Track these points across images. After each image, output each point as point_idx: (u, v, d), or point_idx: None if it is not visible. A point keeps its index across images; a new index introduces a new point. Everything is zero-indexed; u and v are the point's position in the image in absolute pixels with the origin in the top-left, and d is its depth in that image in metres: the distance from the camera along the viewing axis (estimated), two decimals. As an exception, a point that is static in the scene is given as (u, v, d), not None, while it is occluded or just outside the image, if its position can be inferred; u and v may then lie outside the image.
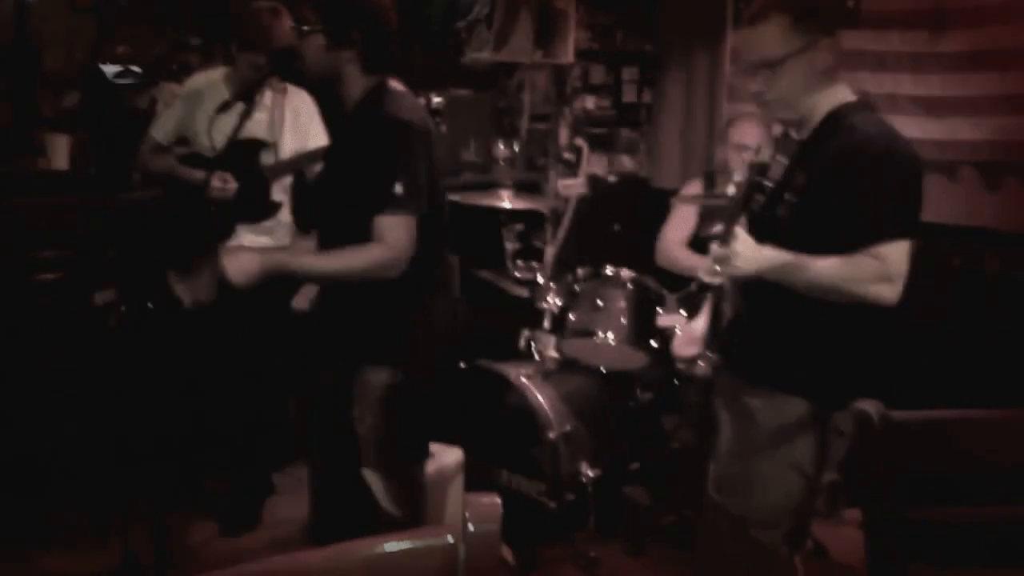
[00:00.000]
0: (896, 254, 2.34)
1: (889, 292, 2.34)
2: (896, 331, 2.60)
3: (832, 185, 2.39)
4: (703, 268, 2.51)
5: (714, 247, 2.44)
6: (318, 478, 3.22)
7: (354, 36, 2.75)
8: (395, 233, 2.70)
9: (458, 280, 3.08)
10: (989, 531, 1.98)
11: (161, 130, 3.87)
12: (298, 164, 3.73)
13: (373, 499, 2.95)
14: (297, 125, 3.78)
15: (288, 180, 3.85)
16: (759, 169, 2.55)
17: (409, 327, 2.87)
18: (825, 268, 2.36)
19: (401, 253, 2.72)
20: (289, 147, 3.76)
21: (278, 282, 2.95)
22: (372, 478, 2.95)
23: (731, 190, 2.53)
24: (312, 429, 3.15)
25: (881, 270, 2.33)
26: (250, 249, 2.88)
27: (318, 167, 3.44)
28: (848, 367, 2.51)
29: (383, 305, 2.83)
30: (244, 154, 3.70)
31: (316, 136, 3.76)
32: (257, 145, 3.73)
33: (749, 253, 2.38)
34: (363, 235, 2.72)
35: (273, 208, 3.80)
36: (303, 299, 3.29)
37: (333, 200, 2.90)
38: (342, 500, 3.06)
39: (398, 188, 2.68)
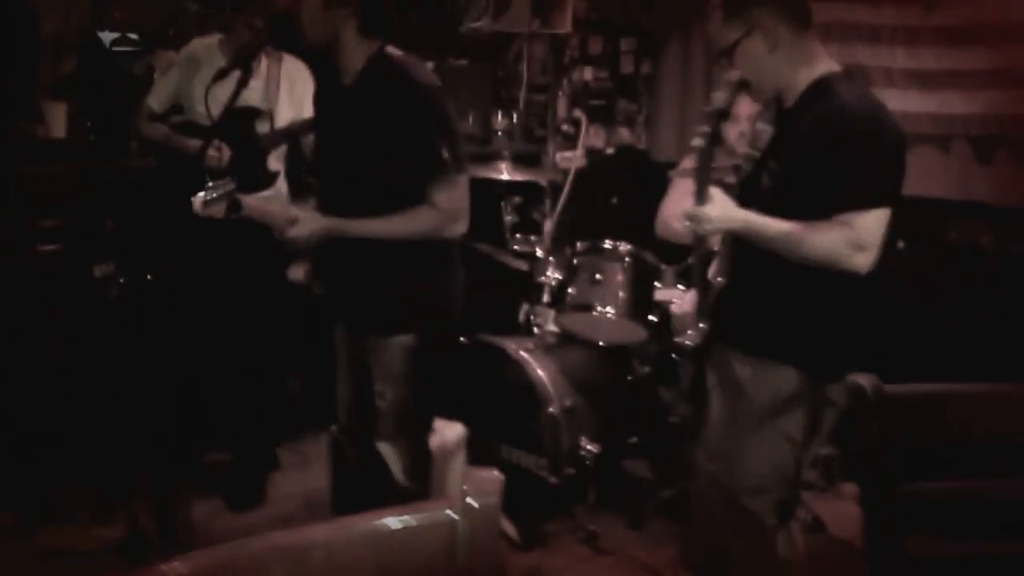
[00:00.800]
0: (868, 222, 2.37)
1: (859, 259, 2.38)
2: (889, 303, 2.63)
3: (810, 152, 2.44)
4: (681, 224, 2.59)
5: (687, 206, 2.51)
6: (341, 451, 3.26)
7: None
8: (453, 196, 2.78)
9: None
10: (985, 504, 2.01)
11: (156, 98, 3.87)
12: (293, 133, 3.72)
13: (389, 473, 3.00)
14: (293, 94, 3.78)
15: (283, 149, 3.85)
16: (714, 116, 2.61)
17: (429, 295, 2.92)
18: (794, 232, 2.40)
19: (461, 215, 2.82)
20: (285, 116, 3.76)
21: (272, 255, 2.96)
22: (389, 451, 2.99)
23: (696, 142, 2.58)
24: (345, 405, 3.17)
25: (851, 237, 2.36)
26: (310, 212, 2.92)
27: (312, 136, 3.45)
28: (838, 338, 2.55)
29: (401, 275, 2.87)
30: (240, 123, 3.69)
31: (311, 105, 3.76)
32: (253, 114, 3.73)
33: (717, 213, 2.47)
34: (402, 201, 2.78)
35: (270, 177, 3.80)
36: (298, 271, 3.30)
37: (359, 174, 2.87)
38: (363, 473, 3.11)
39: (445, 153, 2.74)
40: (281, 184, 3.88)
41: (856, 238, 2.36)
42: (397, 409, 2.93)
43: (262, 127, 3.75)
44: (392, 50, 2.87)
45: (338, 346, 3.11)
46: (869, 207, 2.37)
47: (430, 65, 4.81)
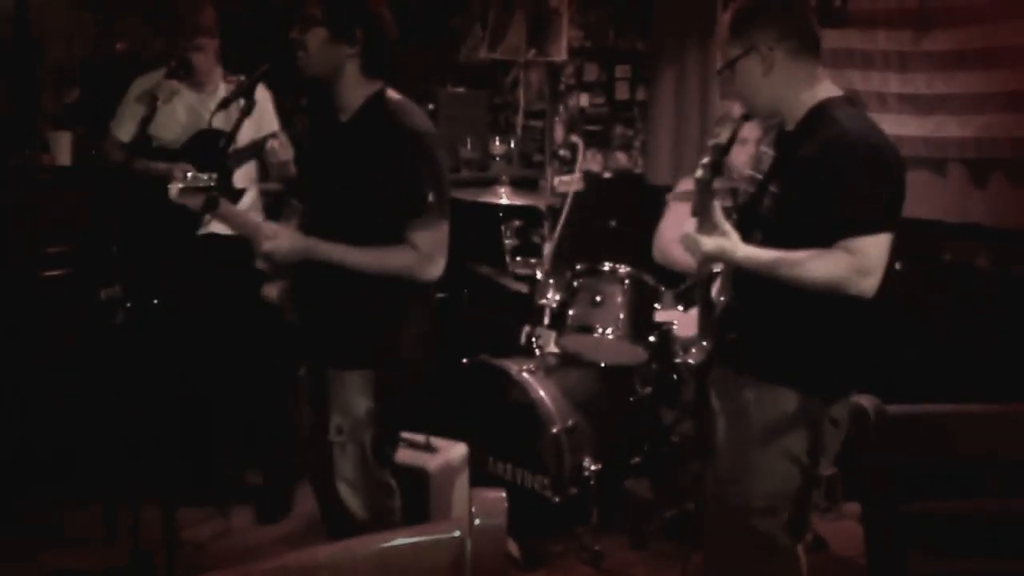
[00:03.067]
0: (872, 247, 2.39)
1: (865, 284, 2.39)
2: (888, 325, 2.64)
3: (812, 178, 2.44)
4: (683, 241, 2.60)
5: (690, 230, 2.52)
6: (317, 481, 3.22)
7: (356, 34, 2.80)
8: (431, 240, 2.79)
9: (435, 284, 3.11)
10: (986, 522, 2.02)
11: (123, 129, 3.91)
12: (255, 150, 3.76)
13: (348, 512, 2.91)
14: (253, 114, 3.81)
15: (251, 167, 3.90)
16: (718, 150, 2.63)
17: (390, 332, 2.88)
18: (804, 263, 2.41)
19: (438, 259, 2.81)
20: (246, 135, 3.78)
21: (250, 273, 2.99)
22: (345, 490, 2.90)
23: (698, 172, 2.58)
24: (306, 433, 3.11)
25: (856, 264, 2.38)
26: (289, 229, 2.91)
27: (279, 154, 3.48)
28: (838, 359, 2.56)
29: (365, 310, 2.85)
30: (205, 144, 3.75)
31: (269, 123, 3.87)
32: (217, 135, 3.69)
33: (712, 247, 2.48)
34: (383, 239, 2.79)
35: (237, 195, 3.82)
36: (272, 289, 3.28)
37: (345, 207, 2.87)
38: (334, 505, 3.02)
39: (431, 197, 2.77)
40: (252, 201, 3.92)
41: (862, 264, 2.38)
42: (353, 445, 2.86)
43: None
44: (391, 93, 2.90)
45: (304, 382, 3.06)
46: (873, 232, 2.39)
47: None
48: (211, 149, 3.74)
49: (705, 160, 2.60)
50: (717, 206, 2.54)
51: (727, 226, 2.50)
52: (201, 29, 3.82)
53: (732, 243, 2.49)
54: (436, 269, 2.82)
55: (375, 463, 2.92)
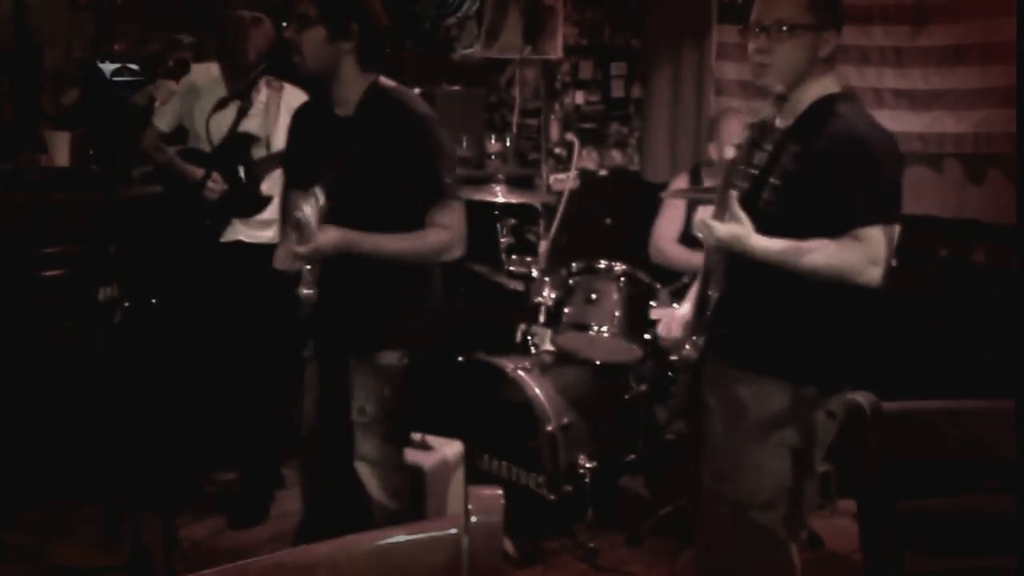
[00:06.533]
0: (881, 237, 2.41)
1: (874, 274, 2.41)
2: (885, 321, 2.65)
3: (816, 171, 2.46)
4: (695, 223, 2.58)
5: (702, 214, 2.52)
6: (316, 473, 3.25)
7: (352, 28, 2.83)
8: (453, 219, 2.91)
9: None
10: (982, 520, 2.02)
11: (163, 120, 3.96)
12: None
13: (366, 493, 2.99)
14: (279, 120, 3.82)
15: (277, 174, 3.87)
16: (759, 128, 2.60)
17: (415, 313, 2.99)
18: (816, 251, 2.42)
19: (461, 236, 2.93)
20: (281, 142, 3.79)
21: (274, 276, 2.99)
22: (366, 471, 2.98)
23: (730, 153, 2.52)
24: (311, 423, 3.16)
25: (868, 253, 2.39)
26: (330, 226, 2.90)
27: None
28: (834, 352, 2.57)
29: (389, 292, 2.92)
30: (237, 149, 3.75)
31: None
32: (249, 140, 3.78)
33: (725, 233, 2.47)
34: (405, 227, 2.88)
35: (264, 202, 3.83)
36: (308, 289, 3.26)
37: (360, 199, 2.89)
38: (339, 495, 3.09)
39: (447, 179, 2.87)
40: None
41: (871, 252, 2.39)
42: (377, 426, 2.95)
43: (258, 153, 3.80)
44: (386, 81, 2.94)
45: (308, 365, 3.11)
46: (881, 223, 2.42)
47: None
48: (241, 154, 3.76)
49: (739, 141, 2.56)
50: (734, 194, 2.51)
51: (742, 214, 2.49)
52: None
53: (746, 231, 2.47)
54: (462, 247, 2.94)
55: (394, 444, 3.04)
